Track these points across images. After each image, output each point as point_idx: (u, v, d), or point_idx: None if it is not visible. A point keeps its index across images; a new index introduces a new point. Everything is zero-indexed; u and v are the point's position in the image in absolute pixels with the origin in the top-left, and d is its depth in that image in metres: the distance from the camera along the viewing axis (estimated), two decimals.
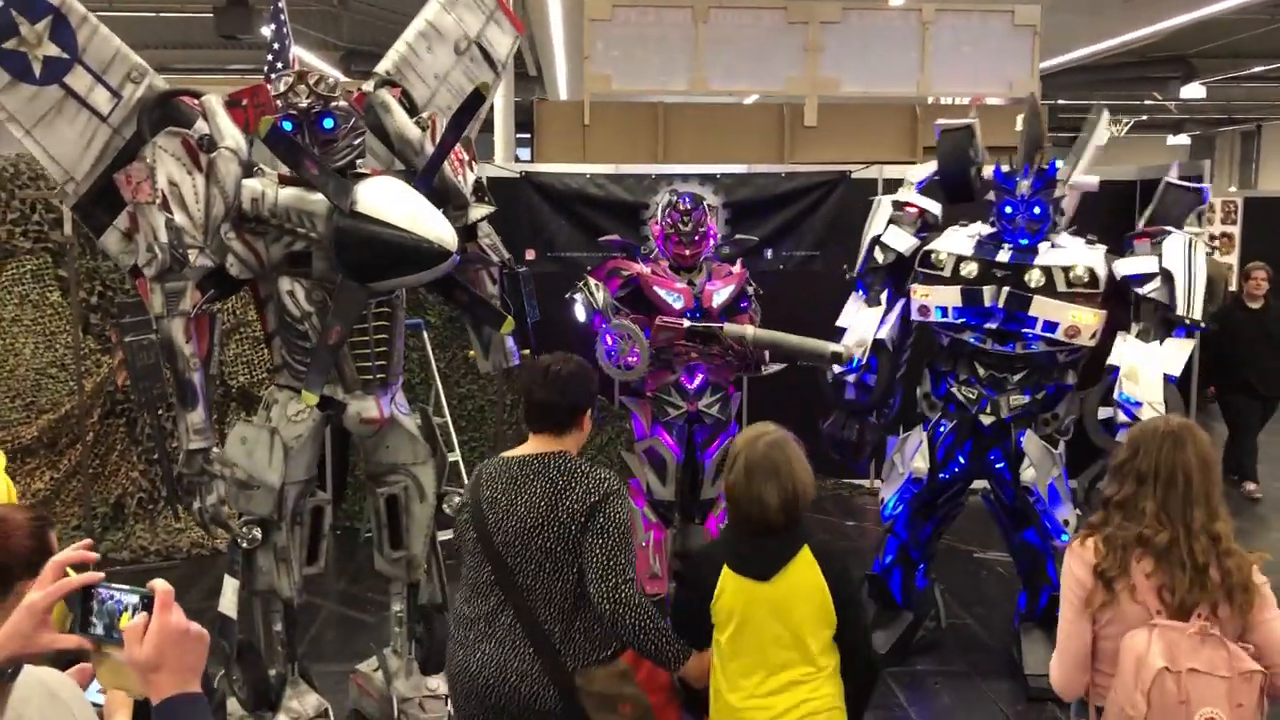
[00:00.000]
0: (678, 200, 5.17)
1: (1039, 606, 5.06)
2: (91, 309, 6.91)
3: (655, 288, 5.06)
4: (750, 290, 5.36)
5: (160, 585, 1.51)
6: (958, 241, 4.90)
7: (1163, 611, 2.69)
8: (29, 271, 6.92)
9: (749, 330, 4.80)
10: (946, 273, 4.82)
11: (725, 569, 2.84)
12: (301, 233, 3.69)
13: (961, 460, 4.97)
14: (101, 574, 1.55)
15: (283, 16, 6.15)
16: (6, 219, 6.82)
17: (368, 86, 4.07)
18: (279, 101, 3.78)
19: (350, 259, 3.61)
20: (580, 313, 5.19)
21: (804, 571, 2.80)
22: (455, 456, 6.43)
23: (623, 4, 8.78)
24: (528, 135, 13.90)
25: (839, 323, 5.11)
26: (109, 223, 3.79)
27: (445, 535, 4.11)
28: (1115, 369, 4.58)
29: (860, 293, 5.13)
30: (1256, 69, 17.46)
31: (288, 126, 3.69)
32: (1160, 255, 4.66)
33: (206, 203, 3.66)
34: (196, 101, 3.79)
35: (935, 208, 5.16)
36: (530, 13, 9.96)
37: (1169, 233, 4.74)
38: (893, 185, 5.70)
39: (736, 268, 5.30)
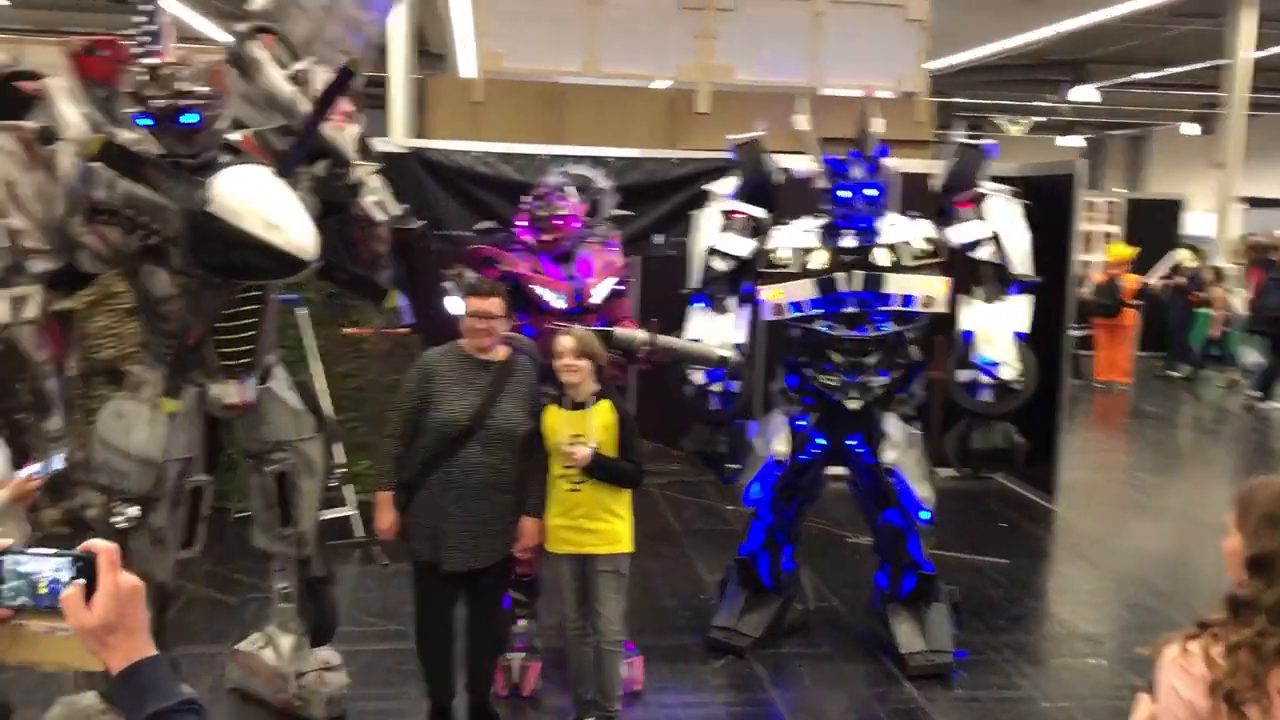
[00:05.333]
0: (538, 186, 4.97)
1: (902, 588, 5.17)
2: None
3: (535, 286, 4.84)
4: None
5: (101, 545, 1.40)
6: (794, 237, 4.97)
7: None
8: None
9: (640, 335, 4.70)
10: (794, 268, 4.89)
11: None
12: (156, 228, 3.48)
13: (820, 441, 5.04)
14: (10, 540, 1.44)
15: None
16: None
17: (240, 27, 3.82)
18: (133, 96, 3.52)
19: (206, 260, 3.42)
20: (454, 305, 4.68)
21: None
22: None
23: None
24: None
25: (688, 337, 5.00)
26: None
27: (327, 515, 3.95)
28: (967, 333, 4.78)
29: (701, 304, 5.07)
30: (1144, 75, 18.14)
31: (147, 123, 3.47)
32: (986, 218, 4.84)
33: (48, 201, 3.41)
34: (35, 85, 3.50)
35: (760, 212, 5.10)
36: None
37: (986, 195, 4.91)
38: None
39: (618, 258, 5.17)
